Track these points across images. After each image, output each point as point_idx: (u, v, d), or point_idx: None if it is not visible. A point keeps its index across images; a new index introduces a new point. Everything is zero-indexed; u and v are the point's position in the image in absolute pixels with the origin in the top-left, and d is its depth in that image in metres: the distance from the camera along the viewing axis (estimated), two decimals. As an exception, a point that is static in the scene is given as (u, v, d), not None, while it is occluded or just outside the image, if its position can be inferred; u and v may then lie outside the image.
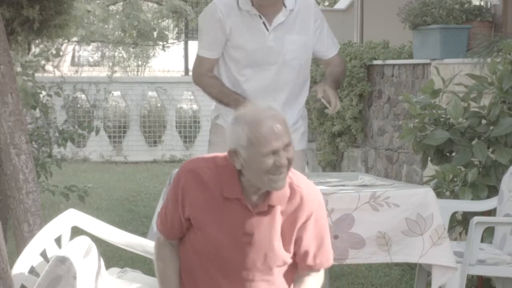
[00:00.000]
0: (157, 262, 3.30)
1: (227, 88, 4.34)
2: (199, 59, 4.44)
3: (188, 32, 16.74)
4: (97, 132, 9.31)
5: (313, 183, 3.26)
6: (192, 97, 14.82)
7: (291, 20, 4.33)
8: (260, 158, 3.01)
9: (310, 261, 3.21)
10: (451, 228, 5.09)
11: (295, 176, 3.18)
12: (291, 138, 3.06)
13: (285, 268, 3.21)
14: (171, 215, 3.23)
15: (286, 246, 3.16)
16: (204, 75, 4.40)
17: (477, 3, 8.01)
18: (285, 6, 4.30)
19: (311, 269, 3.23)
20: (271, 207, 3.12)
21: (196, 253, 3.21)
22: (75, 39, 15.66)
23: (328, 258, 3.26)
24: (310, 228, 3.17)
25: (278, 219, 3.13)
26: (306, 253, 3.20)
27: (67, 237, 3.97)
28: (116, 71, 16.23)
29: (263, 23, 4.29)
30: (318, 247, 3.21)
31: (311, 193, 3.18)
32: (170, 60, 22.43)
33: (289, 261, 3.19)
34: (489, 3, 7.85)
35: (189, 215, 3.18)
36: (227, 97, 4.31)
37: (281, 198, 3.11)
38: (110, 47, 19.16)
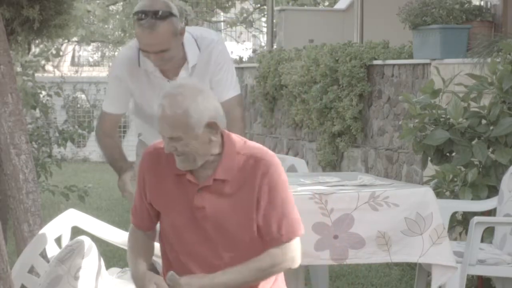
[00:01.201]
0: (127, 251, 3.31)
1: (117, 153, 4.21)
2: (101, 113, 4.27)
3: (188, 32, 16.68)
4: (97, 132, 9.30)
5: (265, 148, 3.19)
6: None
7: (193, 75, 4.24)
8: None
9: (274, 233, 3.10)
10: (451, 228, 5.09)
11: (243, 144, 3.14)
12: (183, 134, 3.02)
13: (253, 243, 3.12)
14: (139, 203, 3.26)
15: (246, 220, 3.09)
16: (102, 133, 4.23)
17: (477, 3, 8.01)
18: (188, 62, 4.18)
19: (278, 242, 3.11)
20: (218, 181, 3.09)
21: (165, 240, 3.21)
22: (75, 39, 15.66)
23: (294, 228, 3.14)
24: (266, 196, 3.08)
25: (230, 191, 3.09)
26: (268, 224, 3.10)
27: (67, 237, 3.97)
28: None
29: (168, 81, 4.12)
30: (281, 216, 3.10)
31: (261, 159, 3.10)
32: (170, 60, 22.38)
33: (253, 235, 3.10)
34: (489, 3, 7.85)
35: (150, 199, 3.20)
36: (114, 163, 4.20)
37: (228, 170, 3.09)
38: (110, 47, 19.15)
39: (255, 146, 3.16)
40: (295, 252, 3.14)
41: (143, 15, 3.98)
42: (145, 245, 3.30)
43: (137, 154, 4.56)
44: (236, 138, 3.18)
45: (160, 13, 3.99)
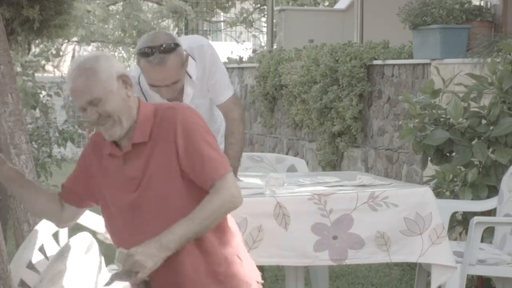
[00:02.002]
0: None
1: None
2: None
3: (188, 32, 16.76)
4: (97, 132, 9.30)
5: (183, 105, 3.18)
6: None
7: (197, 86, 4.30)
8: (80, 113, 3.11)
9: (200, 179, 3.04)
10: (451, 228, 5.09)
11: (158, 105, 3.14)
12: (101, 93, 3.02)
13: (190, 206, 3.05)
14: (72, 182, 3.29)
15: (173, 174, 3.05)
16: None
17: (477, 3, 8.01)
18: (191, 77, 4.24)
19: (206, 187, 3.03)
20: (137, 145, 3.09)
21: (111, 223, 3.21)
22: (75, 39, 15.66)
23: (217, 168, 3.03)
24: (181, 144, 3.05)
25: (151, 151, 3.08)
26: (192, 172, 3.04)
27: (65, 232, 3.97)
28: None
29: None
30: (200, 160, 3.04)
31: (168, 109, 3.10)
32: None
33: (184, 195, 3.05)
34: (489, 3, 7.85)
35: (92, 183, 3.21)
36: None
37: (144, 132, 3.09)
38: (110, 47, 19.17)
39: (167, 104, 3.19)
40: (230, 189, 3.03)
41: (150, 51, 4.00)
42: (47, 195, 3.34)
43: None
44: (154, 104, 3.19)
45: (165, 46, 4.02)
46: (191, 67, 4.24)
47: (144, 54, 4.01)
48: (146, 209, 3.09)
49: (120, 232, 3.17)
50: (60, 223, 3.39)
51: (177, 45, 4.06)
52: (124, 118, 3.07)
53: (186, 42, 4.32)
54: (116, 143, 3.13)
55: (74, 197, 3.29)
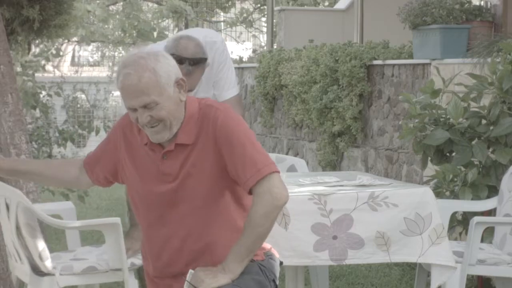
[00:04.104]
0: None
1: None
2: None
3: (188, 32, 16.70)
4: (97, 132, 9.32)
5: (224, 105, 3.13)
6: (192, 97, 14.82)
7: (201, 82, 4.33)
8: (128, 110, 3.03)
9: (242, 179, 3.00)
10: (451, 228, 5.08)
11: (200, 103, 3.08)
12: (158, 96, 2.95)
13: (231, 202, 3.07)
14: (100, 155, 3.28)
15: (214, 179, 3.03)
16: None
17: (477, 3, 8.00)
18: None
19: (248, 186, 3.00)
20: (180, 145, 3.04)
21: (135, 208, 3.22)
22: (75, 39, 15.66)
23: (258, 167, 2.97)
24: (224, 145, 3.00)
25: (192, 152, 3.04)
26: (236, 172, 3.01)
27: None
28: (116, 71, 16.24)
29: None
30: (243, 159, 2.99)
31: (209, 108, 3.04)
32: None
33: (226, 193, 3.05)
34: (489, 3, 7.85)
35: (123, 164, 3.19)
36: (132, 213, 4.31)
37: (188, 134, 3.04)
38: (110, 47, 19.17)
39: (208, 101, 3.11)
40: (272, 188, 2.99)
41: (179, 60, 4.04)
42: (61, 170, 3.35)
43: None
44: (195, 99, 3.13)
45: (196, 59, 4.09)
46: None
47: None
48: (177, 206, 3.07)
49: (145, 217, 3.17)
50: (78, 187, 3.42)
51: (205, 59, 4.12)
52: (175, 123, 3.03)
53: (202, 34, 4.36)
54: None
55: (95, 175, 3.30)
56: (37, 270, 3.91)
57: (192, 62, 4.05)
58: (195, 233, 3.08)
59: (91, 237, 7.23)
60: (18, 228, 3.85)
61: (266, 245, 3.20)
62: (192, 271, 3.03)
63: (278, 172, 3.02)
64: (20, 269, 4.03)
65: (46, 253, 3.87)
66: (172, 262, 3.14)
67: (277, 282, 3.24)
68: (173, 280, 3.13)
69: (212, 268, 3.03)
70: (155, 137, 3.04)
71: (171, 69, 3.00)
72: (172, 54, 4.08)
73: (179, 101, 3.02)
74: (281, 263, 3.30)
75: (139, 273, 4.60)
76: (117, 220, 3.98)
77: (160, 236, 3.13)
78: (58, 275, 3.90)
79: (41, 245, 3.85)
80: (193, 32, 4.36)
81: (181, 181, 3.05)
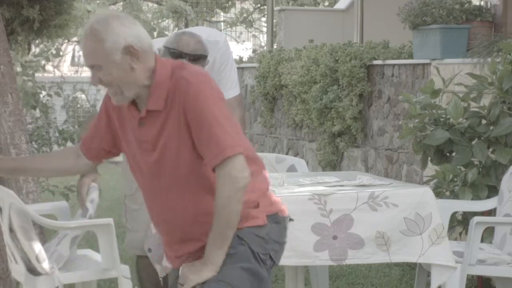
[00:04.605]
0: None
1: None
2: None
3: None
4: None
5: (197, 69, 3.08)
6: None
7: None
8: None
9: (205, 158, 2.97)
10: (451, 228, 5.08)
11: (177, 68, 3.04)
12: (102, 61, 2.98)
13: (203, 177, 3.03)
14: (94, 131, 3.28)
15: (187, 149, 3.01)
16: None
17: (477, 3, 8.00)
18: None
19: (212, 166, 2.96)
20: (152, 112, 3.03)
21: (134, 175, 3.24)
22: (75, 39, 15.65)
23: (221, 148, 2.92)
24: (192, 119, 2.96)
25: (164, 120, 3.02)
26: (200, 148, 2.98)
27: None
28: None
29: None
30: (208, 138, 2.95)
31: (182, 79, 2.99)
32: (170, 60, 22.39)
33: (197, 166, 3.01)
34: (489, 3, 7.85)
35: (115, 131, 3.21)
36: None
37: (158, 100, 3.01)
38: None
39: (186, 69, 3.05)
40: (232, 171, 2.93)
41: (179, 54, 4.04)
42: (66, 155, 3.37)
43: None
44: (172, 63, 3.09)
45: (196, 55, 4.09)
46: None
47: (173, 54, 4.05)
48: (161, 176, 3.07)
49: (141, 185, 3.20)
50: (78, 172, 3.45)
51: (205, 56, 4.11)
52: (126, 89, 3.01)
53: (205, 33, 4.35)
54: (134, 102, 3.09)
55: (95, 152, 3.31)
56: (32, 271, 3.91)
57: (192, 58, 4.05)
58: (183, 204, 3.05)
59: (91, 237, 7.22)
60: (13, 230, 3.85)
61: (273, 203, 3.15)
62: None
63: (241, 153, 2.96)
64: (15, 269, 4.03)
65: (42, 254, 3.87)
66: (169, 231, 3.15)
67: (282, 247, 3.16)
68: (180, 245, 3.14)
69: (196, 263, 3.02)
70: (113, 99, 3.07)
71: (121, 36, 2.98)
72: (173, 49, 4.09)
73: (130, 68, 3.00)
74: (291, 219, 3.23)
75: (137, 272, 4.60)
76: (110, 220, 3.98)
77: (156, 204, 3.14)
78: (57, 273, 3.90)
79: (37, 247, 3.84)
80: (196, 30, 4.36)
81: (161, 152, 3.04)
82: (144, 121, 3.06)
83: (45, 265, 3.86)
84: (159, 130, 3.03)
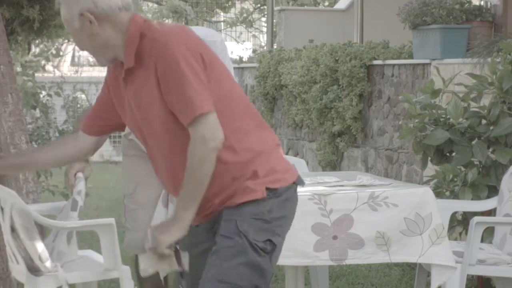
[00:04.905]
0: None
1: None
2: None
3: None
4: (97, 132, 9.28)
5: (171, 27, 3.06)
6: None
7: None
8: None
9: (179, 116, 2.97)
10: (451, 228, 5.08)
11: (153, 26, 3.05)
12: (70, 29, 3.07)
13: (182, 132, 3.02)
14: (98, 106, 3.31)
15: (160, 106, 3.01)
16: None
17: (477, 3, 8.01)
18: None
19: (185, 125, 2.96)
20: (128, 70, 3.05)
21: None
22: (75, 39, 15.62)
23: (189, 108, 2.91)
24: (162, 79, 2.96)
25: (140, 79, 3.03)
26: (173, 110, 2.98)
27: None
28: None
29: None
30: (178, 98, 2.94)
31: (154, 40, 2.99)
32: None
33: (171, 124, 3.01)
34: (489, 3, 7.85)
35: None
36: None
37: (131, 58, 3.03)
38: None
39: (159, 30, 3.04)
40: (204, 131, 2.91)
41: None
42: (69, 141, 3.38)
43: (124, 154, 4.59)
44: (145, 22, 3.09)
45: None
46: None
47: None
48: (152, 134, 3.08)
49: (145, 145, 3.20)
50: (82, 157, 3.44)
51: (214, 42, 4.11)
52: (100, 53, 3.07)
53: (202, 33, 4.36)
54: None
55: (97, 128, 3.32)
56: (33, 270, 3.91)
57: None
58: (180, 161, 3.03)
59: (91, 238, 7.22)
60: (15, 230, 3.85)
61: (276, 170, 3.09)
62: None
63: (213, 112, 2.93)
64: (16, 269, 4.03)
65: (45, 254, 3.87)
66: (168, 188, 3.18)
67: (289, 219, 3.13)
68: None
69: (164, 222, 3.02)
70: (96, 61, 3.16)
71: (74, 4, 3.03)
72: None
73: (91, 34, 3.03)
74: (300, 183, 3.16)
75: (137, 272, 4.61)
76: (112, 220, 3.98)
77: (155, 164, 3.17)
78: (61, 271, 3.90)
79: (40, 246, 3.85)
80: (193, 29, 4.37)
81: (143, 111, 3.05)
82: (126, 81, 3.08)
83: (48, 264, 3.86)
84: (138, 88, 3.04)
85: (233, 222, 3.00)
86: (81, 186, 3.86)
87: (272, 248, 3.05)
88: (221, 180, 3.01)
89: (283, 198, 3.08)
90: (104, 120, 3.29)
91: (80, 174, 3.84)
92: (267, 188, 3.04)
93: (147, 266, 3.03)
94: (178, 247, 3.02)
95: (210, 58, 3.03)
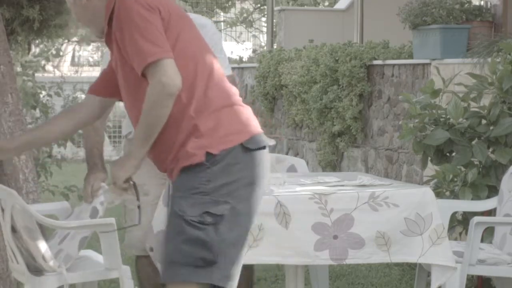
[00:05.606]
0: None
1: (98, 148, 4.21)
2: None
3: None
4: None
5: None
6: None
7: None
8: None
9: (135, 66, 3.06)
10: (451, 228, 5.08)
11: None
12: (69, 2, 3.24)
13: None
14: (107, 69, 3.39)
15: (126, 63, 3.13)
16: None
17: (477, 3, 8.01)
18: None
19: (140, 73, 3.05)
20: (108, 33, 3.19)
21: None
22: (75, 39, 15.66)
23: (141, 57, 3.01)
24: (117, 31, 3.08)
25: (113, 42, 3.16)
26: (130, 61, 3.08)
27: None
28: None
29: None
30: (131, 47, 3.05)
31: (117, 1, 3.10)
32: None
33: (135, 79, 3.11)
34: (489, 3, 7.85)
35: None
36: (90, 158, 4.21)
37: (105, 22, 3.19)
38: (110, 47, 19.08)
39: None
40: (161, 77, 2.98)
41: None
42: (80, 106, 3.48)
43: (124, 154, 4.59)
44: None
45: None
46: None
47: None
48: (127, 96, 3.21)
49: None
50: (93, 120, 3.51)
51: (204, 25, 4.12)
52: (90, 24, 3.24)
53: (192, 16, 4.35)
54: None
55: (105, 90, 3.41)
56: (34, 270, 3.91)
57: None
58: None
59: (91, 237, 7.22)
60: (17, 231, 3.85)
61: (228, 133, 3.09)
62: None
63: (169, 58, 3.00)
64: (16, 269, 4.03)
65: (49, 253, 3.87)
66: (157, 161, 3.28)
67: (240, 182, 3.09)
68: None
69: (120, 158, 3.20)
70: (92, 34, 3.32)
71: None
72: None
73: (81, 6, 3.20)
74: (255, 142, 3.10)
75: (137, 272, 4.60)
76: (112, 220, 3.98)
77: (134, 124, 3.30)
78: (65, 273, 3.90)
79: (43, 246, 3.85)
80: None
81: (119, 70, 3.17)
82: (108, 44, 3.22)
83: (52, 263, 3.86)
84: (113, 51, 3.18)
85: (174, 200, 3.08)
86: (104, 197, 3.89)
87: (214, 219, 3.03)
88: (169, 130, 3.08)
89: (223, 164, 3.05)
90: (109, 82, 3.38)
91: (104, 185, 3.88)
92: (207, 153, 3.04)
93: (112, 199, 3.38)
94: (135, 181, 3.24)
95: (170, 15, 3.09)
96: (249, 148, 3.09)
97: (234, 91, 3.21)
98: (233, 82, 4.40)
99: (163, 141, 3.11)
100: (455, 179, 5.31)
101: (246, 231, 3.14)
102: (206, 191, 3.03)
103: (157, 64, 2.98)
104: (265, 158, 3.17)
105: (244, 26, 18.93)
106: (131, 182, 3.24)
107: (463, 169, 5.34)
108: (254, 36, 19.79)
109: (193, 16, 4.54)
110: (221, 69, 3.24)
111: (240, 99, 3.22)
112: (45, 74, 13.17)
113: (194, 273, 3.03)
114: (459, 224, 5.36)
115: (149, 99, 3.00)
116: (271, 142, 3.21)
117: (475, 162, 5.37)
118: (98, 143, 4.16)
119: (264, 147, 3.16)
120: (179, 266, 3.04)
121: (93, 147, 4.14)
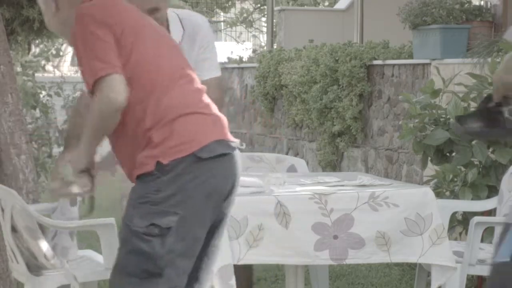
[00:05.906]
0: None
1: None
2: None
3: (188, 32, 16.70)
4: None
5: (97, 2, 3.12)
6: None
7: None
8: None
9: (85, 82, 3.03)
10: (451, 228, 5.09)
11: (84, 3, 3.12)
12: (42, 10, 3.19)
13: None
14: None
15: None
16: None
17: (477, 3, 8.01)
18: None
19: (90, 92, 3.02)
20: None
21: None
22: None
23: (92, 72, 2.96)
24: (73, 43, 3.06)
25: None
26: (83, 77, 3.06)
27: None
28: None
29: None
30: (83, 62, 3.01)
31: (75, 13, 3.07)
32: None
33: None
34: (489, 3, 7.85)
35: None
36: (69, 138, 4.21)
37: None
38: (110, 47, 19.05)
39: (88, 3, 3.11)
40: (106, 89, 2.93)
41: None
42: None
43: None
44: None
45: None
46: (176, 32, 4.16)
47: None
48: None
49: None
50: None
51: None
52: (62, 34, 3.25)
53: (187, 13, 4.31)
54: None
55: None
56: (35, 269, 3.91)
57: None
58: (119, 152, 3.18)
59: (91, 238, 7.23)
60: (18, 231, 3.85)
61: (183, 142, 3.00)
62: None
63: (115, 73, 2.95)
64: (16, 269, 4.03)
65: (50, 252, 3.88)
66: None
67: (190, 193, 3.00)
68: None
69: (63, 155, 3.18)
70: None
71: None
72: None
73: (52, 14, 3.16)
74: (207, 151, 3.00)
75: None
76: (112, 220, 3.98)
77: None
78: (68, 267, 3.90)
79: (44, 245, 3.85)
80: (178, 10, 4.31)
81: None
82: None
83: (54, 261, 3.86)
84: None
85: (126, 207, 3.04)
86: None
87: (161, 230, 2.96)
88: (126, 142, 3.05)
89: (173, 174, 2.97)
90: None
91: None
92: (157, 163, 2.97)
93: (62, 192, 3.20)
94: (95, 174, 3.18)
95: (123, 28, 3.02)
96: (202, 157, 2.99)
97: (200, 97, 3.10)
98: (217, 85, 4.36)
99: (122, 153, 3.10)
100: (455, 179, 5.31)
101: (197, 242, 3.04)
102: (155, 200, 2.96)
103: (105, 79, 2.93)
104: (226, 164, 3.05)
105: (244, 26, 18.92)
106: (81, 174, 3.13)
107: (463, 169, 5.34)
108: (254, 36, 19.78)
109: (191, 14, 4.52)
110: (191, 75, 3.13)
111: (208, 105, 3.10)
112: (45, 74, 13.16)
113: (138, 285, 2.98)
114: (459, 224, 5.36)
115: (95, 114, 2.96)
116: (237, 144, 3.08)
117: (475, 162, 5.37)
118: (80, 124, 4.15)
119: (223, 154, 3.03)
120: (125, 275, 3.01)
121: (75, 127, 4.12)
